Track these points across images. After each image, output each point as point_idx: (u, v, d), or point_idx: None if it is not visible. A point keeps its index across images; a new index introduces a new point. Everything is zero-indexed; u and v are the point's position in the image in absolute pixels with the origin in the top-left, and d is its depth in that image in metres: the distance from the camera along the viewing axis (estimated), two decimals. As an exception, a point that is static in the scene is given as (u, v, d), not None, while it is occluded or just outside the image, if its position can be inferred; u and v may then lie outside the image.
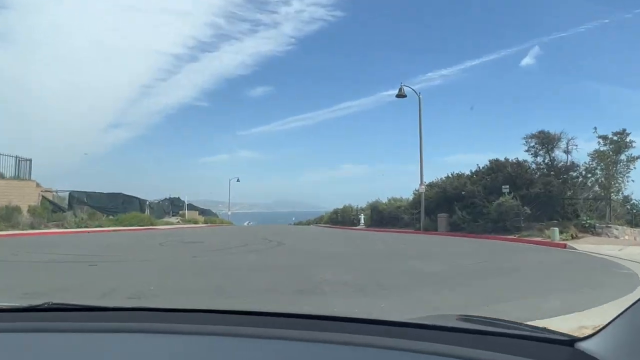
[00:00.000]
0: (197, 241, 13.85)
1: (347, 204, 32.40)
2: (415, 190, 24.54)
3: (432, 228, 21.09)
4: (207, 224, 34.34)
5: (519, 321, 1.19)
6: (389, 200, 25.89)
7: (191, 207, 36.85)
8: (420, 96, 22.01)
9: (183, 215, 33.04)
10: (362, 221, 28.43)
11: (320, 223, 41.59)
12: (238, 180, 56.04)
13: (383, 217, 25.31)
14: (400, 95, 21.04)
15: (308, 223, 51.04)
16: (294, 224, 60.25)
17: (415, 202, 23.83)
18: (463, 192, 19.64)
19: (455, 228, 19.89)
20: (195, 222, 32.03)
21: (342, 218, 31.67)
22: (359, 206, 31.25)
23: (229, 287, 5.68)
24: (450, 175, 22.46)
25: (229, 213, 55.68)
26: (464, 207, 19.48)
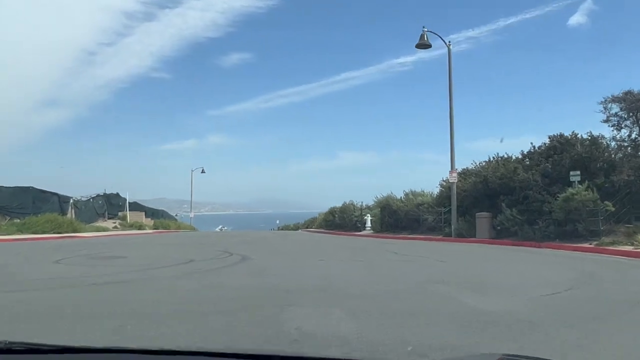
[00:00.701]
0: (118, 256, 11.50)
1: (347, 201, 30.06)
2: (443, 180, 22.27)
3: (467, 233, 18.84)
4: (157, 229, 32.04)
5: None
6: (406, 195, 23.56)
7: (136, 207, 34.44)
8: (450, 46, 19.62)
9: (123, 218, 30.60)
10: (369, 224, 26.12)
11: (311, 227, 39.64)
12: (203, 172, 53.83)
13: (398, 218, 23.02)
14: (423, 44, 18.61)
15: (296, 227, 49.51)
16: (278, 229, 58.68)
17: (443, 197, 21.52)
18: (513, 183, 17.31)
19: (501, 233, 17.63)
20: (140, 227, 29.64)
21: (341, 220, 29.35)
22: (364, 204, 28.91)
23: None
24: (492, 160, 20.13)
25: (191, 215, 53.43)
26: (513, 203, 17.19)
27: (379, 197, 25.03)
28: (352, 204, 29.49)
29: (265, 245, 15.87)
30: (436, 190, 23.21)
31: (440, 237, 20.04)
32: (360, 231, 26.78)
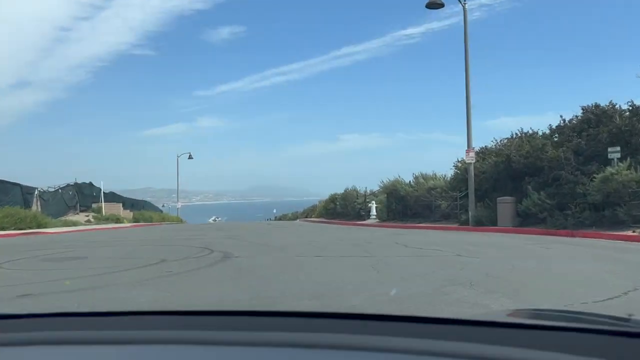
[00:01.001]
0: (77, 257, 10.68)
1: (349, 187, 29.22)
2: (458, 161, 21.39)
3: (487, 220, 18.06)
4: (137, 222, 31.31)
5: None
6: (416, 179, 22.69)
7: (113, 198, 33.65)
8: (466, 4, 18.56)
9: (98, 211, 29.80)
10: (374, 212, 25.30)
11: (311, 216, 39.08)
12: (191, 157, 53.03)
13: (407, 205, 22.20)
14: (434, 3, 17.56)
15: (294, 216, 49.21)
16: (275, 219, 58.26)
17: (458, 180, 20.66)
18: (541, 162, 16.41)
19: (527, 220, 16.83)
20: (118, 220, 28.86)
21: (343, 208, 28.55)
22: (369, 190, 28.10)
23: None
24: (515, 136, 19.22)
25: (178, 206, 52.79)
26: (541, 185, 16.34)
27: (384, 181, 24.17)
28: (354, 190, 28.66)
29: (254, 238, 15.05)
30: (450, 172, 22.38)
31: (456, 225, 19.24)
32: (365, 220, 25.98)
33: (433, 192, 20.88)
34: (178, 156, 52.92)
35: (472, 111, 19.18)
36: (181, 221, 46.69)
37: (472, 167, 18.87)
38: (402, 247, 11.77)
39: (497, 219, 17.78)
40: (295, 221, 37.54)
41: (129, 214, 32.62)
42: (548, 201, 15.83)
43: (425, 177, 22.14)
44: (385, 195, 24.14)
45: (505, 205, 17.65)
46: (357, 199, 27.38)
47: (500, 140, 19.34)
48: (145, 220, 33.66)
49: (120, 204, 31.23)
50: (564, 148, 16.23)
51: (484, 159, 19.62)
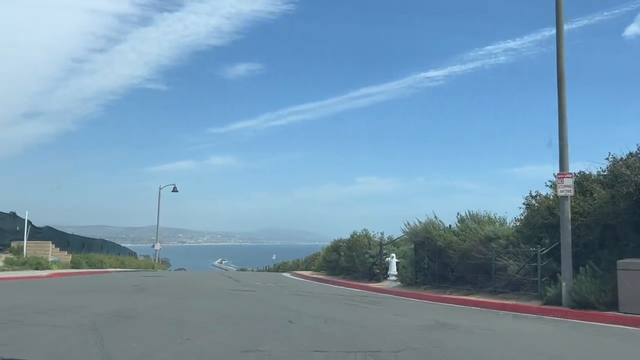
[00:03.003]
0: None
1: (360, 230, 21.57)
2: (532, 195, 13.73)
3: (597, 299, 10.38)
4: (76, 268, 24.12)
5: None
6: (462, 221, 14.98)
7: (51, 234, 26.33)
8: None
9: (19, 251, 22.44)
10: (394, 270, 17.61)
11: (312, 266, 31.54)
12: (175, 190, 45.95)
13: (447, 263, 14.52)
14: None
15: (296, 264, 43.03)
16: (273, 266, 51.08)
17: (535, 226, 12.98)
18: None
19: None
20: (39, 266, 21.40)
21: (349, 260, 20.83)
22: (386, 236, 20.46)
23: None
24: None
25: (157, 248, 45.52)
26: None
27: (411, 224, 16.47)
28: (366, 235, 20.93)
29: (164, 326, 7.47)
30: (512, 215, 14.65)
31: (537, 304, 11.55)
32: (380, 281, 18.21)
33: (492, 244, 13.15)
34: (160, 188, 45.93)
35: (566, 110, 11.69)
36: (153, 267, 39.19)
37: (568, 204, 11.26)
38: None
39: (618, 298, 10.06)
40: (284, 275, 29.80)
41: (66, 256, 25.16)
42: None
43: (478, 220, 14.42)
44: (412, 245, 16.43)
45: (633, 274, 9.96)
46: (370, 248, 19.66)
47: (618, 159, 11.59)
48: (91, 266, 26.23)
49: (49, 243, 23.78)
50: None
51: (582, 193, 11.99)
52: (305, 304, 11.44)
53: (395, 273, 17.46)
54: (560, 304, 11.16)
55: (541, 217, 12.83)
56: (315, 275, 23.88)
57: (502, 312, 11.27)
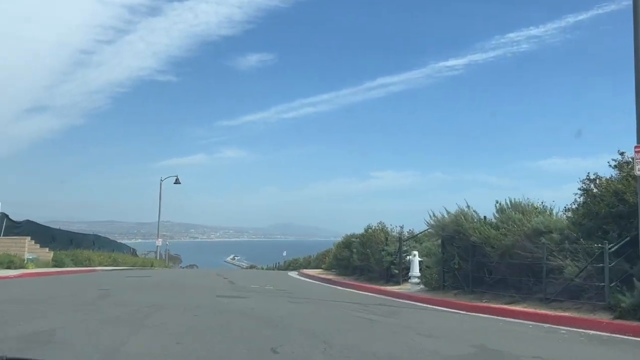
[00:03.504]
0: None
1: (376, 224, 18.91)
2: (589, 178, 11.00)
3: None
4: (58, 266, 21.92)
5: None
6: (501, 211, 12.24)
7: (32, 228, 24.12)
8: None
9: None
10: (416, 271, 14.98)
11: (321, 265, 29.16)
12: (177, 182, 43.73)
13: (483, 262, 11.83)
14: None
15: (307, 261, 41.05)
16: (284, 263, 49.00)
17: (597, 217, 10.18)
18: None
19: None
20: (12, 265, 19.10)
21: (362, 258, 18.21)
22: (407, 230, 17.85)
23: None
24: None
25: (159, 244, 43.37)
26: None
27: (437, 216, 13.76)
28: (382, 229, 18.24)
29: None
30: (562, 205, 11.89)
31: (607, 318, 8.84)
32: (399, 284, 15.58)
33: (543, 239, 10.43)
34: (162, 180, 43.66)
35: None
36: (152, 265, 36.90)
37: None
38: None
39: None
40: (290, 274, 27.26)
41: (47, 253, 22.83)
42: None
43: (522, 209, 11.65)
44: (439, 241, 13.72)
45: None
46: (387, 245, 17.01)
47: None
48: (77, 264, 23.93)
49: (27, 239, 21.44)
50: None
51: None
52: (302, 318, 8.85)
53: (418, 274, 14.78)
54: (638, 318, 8.49)
55: (606, 205, 10.08)
56: (324, 276, 21.31)
57: (563, 329, 8.58)
